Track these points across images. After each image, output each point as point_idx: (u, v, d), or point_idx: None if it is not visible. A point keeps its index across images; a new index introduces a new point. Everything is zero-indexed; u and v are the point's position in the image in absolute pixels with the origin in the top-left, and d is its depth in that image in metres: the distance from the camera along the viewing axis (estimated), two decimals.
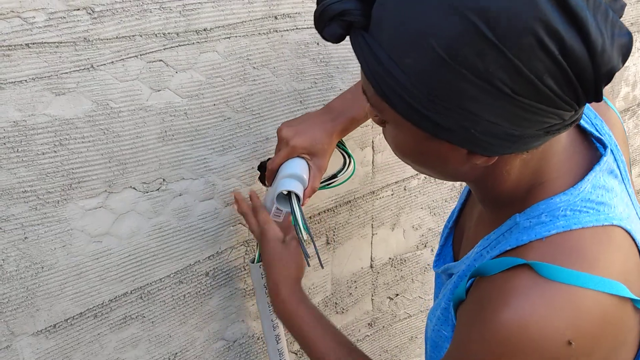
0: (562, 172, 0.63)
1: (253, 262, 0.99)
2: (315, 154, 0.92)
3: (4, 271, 0.78)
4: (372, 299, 1.36)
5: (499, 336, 0.56)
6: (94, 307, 0.88)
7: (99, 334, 0.90)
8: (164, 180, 0.90)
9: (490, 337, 0.57)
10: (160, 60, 0.85)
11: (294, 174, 0.89)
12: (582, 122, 0.68)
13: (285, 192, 0.89)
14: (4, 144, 0.74)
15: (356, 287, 1.30)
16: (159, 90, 0.86)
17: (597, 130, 0.68)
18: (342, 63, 1.08)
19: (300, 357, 1.23)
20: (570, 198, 0.61)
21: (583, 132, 0.68)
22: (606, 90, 0.77)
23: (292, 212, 0.89)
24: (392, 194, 1.29)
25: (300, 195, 0.89)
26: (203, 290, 1.01)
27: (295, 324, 0.89)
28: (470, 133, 0.53)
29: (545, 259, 0.57)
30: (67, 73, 0.77)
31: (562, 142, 0.63)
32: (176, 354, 1.00)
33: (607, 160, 0.64)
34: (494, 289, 0.60)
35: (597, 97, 0.53)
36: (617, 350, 0.60)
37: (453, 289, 0.71)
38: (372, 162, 1.21)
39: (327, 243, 1.20)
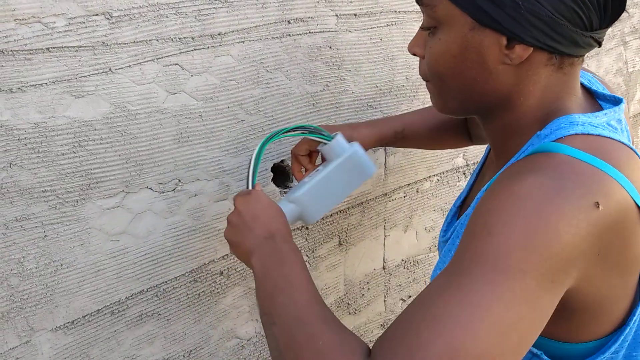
0: (580, 108, 0.68)
1: None
2: None
3: (24, 268, 0.80)
4: (384, 301, 1.37)
5: (525, 193, 0.56)
6: (111, 304, 0.90)
7: (115, 331, 0.92)
8: (179, 181, 0.92)
9: (518, 194, 0.57)
10: (176, 64, 0.87)
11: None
12: (593, 88, 0.74)
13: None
14: (25, 144, 0.77)
15: (369, 289, 1.31)
16: (174, 93, 0.88)
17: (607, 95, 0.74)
18: (354, 66, 1.09)
19: None
20: (588, 119, 0.65)
21: (593, 96, 0.74)
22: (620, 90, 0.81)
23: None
24: (404, 196, 1.30)
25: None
26: (217, 289, 1.03)
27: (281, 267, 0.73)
28: (517, 9, 0.61)
29: (567, 144, 0.61)
30: (86, 76, 0.80)
31: (579, 89, 0.70)
32: (190, 351, 1.02)
33: (621, 108, 0.69)
34: (513, 169, 0.62)
35: (620, 8, 0.63)
36: (632, 253, 0.61)
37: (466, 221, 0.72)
38: (385, 164, 1.23)
39: (340, 244, 1.21)
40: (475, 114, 0.74)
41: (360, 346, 0.59)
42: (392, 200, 1.28)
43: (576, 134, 0.63)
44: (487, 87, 0.67)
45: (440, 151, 1.33)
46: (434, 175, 1.35)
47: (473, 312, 0.52)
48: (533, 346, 0.68)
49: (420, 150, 1.29)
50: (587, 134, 0.63)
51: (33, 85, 0.76)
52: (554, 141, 0.63)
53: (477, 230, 0.57)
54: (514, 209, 0.56)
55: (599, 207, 0.55)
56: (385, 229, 1.29)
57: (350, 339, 0.60)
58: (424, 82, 0.82)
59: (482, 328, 0.51)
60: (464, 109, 0.72)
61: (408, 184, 1.30)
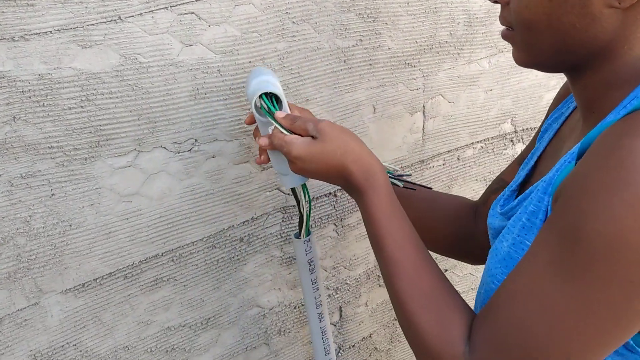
0: None
1: (298, 237, 0.90)
2: None
3: (31, 227, 0.77)
4: None
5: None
6: (124, 267, 0.87)
7: (129, 295, 0.88)
8: (196, 140, 0.87)
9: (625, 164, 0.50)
10: (192, 13, 0.80)
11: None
12: None
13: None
14: (29, 97, 0.72)
15: None
16: (190, 45, 0.81)
17: None
18: (392, 19, 1.00)
19: (339, 329, 1.19)
20: None
21: None
22: None
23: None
24: (443, 164, 1.21)
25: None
26: (237, 255, 0.98)
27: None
28: None
29: None
30: (93, 25, 0.74)
31: None
32: (209, 318, 0.98)
33: None
34: (614, 130, 0.55)
35: None
36: None
37: (548, 184, 0.64)
38: (423, 129, 1.14)
39: None
40: (566, 68, 0.66)
41: (461, 329, 0.62)
42: (430, 168, 1.19)
43: None
44: (587, 35, 0.60)
45: (485, 115, 1.23)
46: (478, 142, 1.25)
47: (592, 329, 0.54)
48: None
49: (463, 114, 1.19)
50: None
51: (37, 33, 0.71)
52: None
53: (578, 218, 0.53)
54: (619, 188, 0.50)
55: None
56: None
57: (451, 323, 0.63)
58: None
59: (597, 343, 0.55)
60: (555, 61, 0.64)
61: (448, 151, 1.20)
